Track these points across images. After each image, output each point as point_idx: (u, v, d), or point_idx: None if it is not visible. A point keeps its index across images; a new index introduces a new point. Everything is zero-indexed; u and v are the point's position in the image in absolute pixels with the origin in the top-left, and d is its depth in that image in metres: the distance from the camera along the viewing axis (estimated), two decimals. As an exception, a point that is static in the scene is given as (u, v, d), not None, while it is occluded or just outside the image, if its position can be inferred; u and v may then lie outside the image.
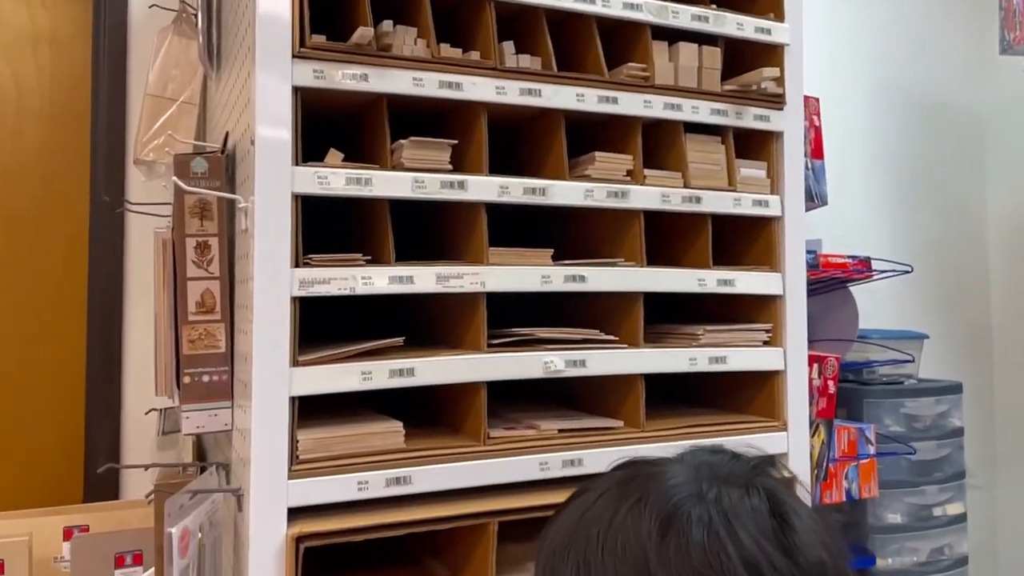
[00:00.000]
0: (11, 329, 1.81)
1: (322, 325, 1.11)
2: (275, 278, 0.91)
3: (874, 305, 2.35)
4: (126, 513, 1.65)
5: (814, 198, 1.82)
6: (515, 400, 1.23)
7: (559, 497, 0.99)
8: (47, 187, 1.86)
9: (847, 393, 2.12)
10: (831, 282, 2.16)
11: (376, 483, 0.94)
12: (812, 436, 1.23)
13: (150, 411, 1.52)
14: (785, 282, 1.20)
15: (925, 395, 2.30)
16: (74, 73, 1.88)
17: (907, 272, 2.21)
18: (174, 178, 0.95)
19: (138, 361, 1.75)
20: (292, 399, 0.91)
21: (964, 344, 2.69)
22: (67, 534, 1.60)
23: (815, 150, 1.77)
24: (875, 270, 2.17)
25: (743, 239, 1.24)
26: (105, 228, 1.82)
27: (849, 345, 2.15)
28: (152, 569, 1.35)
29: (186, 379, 1.06)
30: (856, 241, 2.43)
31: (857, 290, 2.21)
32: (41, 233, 1.84)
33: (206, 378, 1.07)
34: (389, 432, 0.97)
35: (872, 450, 2.05)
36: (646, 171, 1.12)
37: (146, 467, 1.14)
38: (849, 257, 2.15)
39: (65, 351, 1.83)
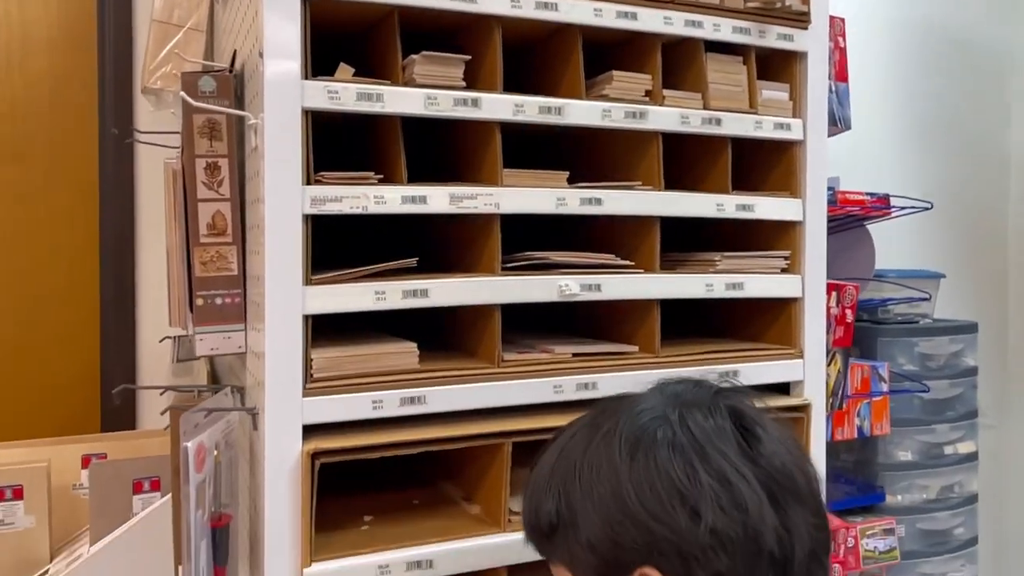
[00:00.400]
0: (24, 262, 1.81)
1: (334, 252, 1.10)
2: (286, 195, 0.89)
3: (889, 244, 2.32)
4: (143, 442, 1.67)
5: (837, 122, 1.78)
6: (529, 329, 1.22)
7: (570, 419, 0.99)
8: (56, 118, 1.84)
9: (861, 332, 2.11)
10: (848, 220, 2.13)
11: (391, 402, 0.94)
12: (828, 365, 1.22)
13: (164, 339, 1.52)
14: (805, 208, 1.18)
15: (940, 334, 2.29)
16: (80, 1, 1.84)
17: (927, 209, 2.17)
18: (182, 93, 0.93)
19: (151, 292, 1.75)
20: (306, 317, 0.90)
21: (980, 284, 2.67)
22: (85, 462, 1.62)
23: (839, 72, 1.72)
24: (894, 207, 2.14)
25: (763, 164, 1.22)
26: (115, 160, 1.81)
27: (865, 284, 2.13)
28: (170, 495, 1.37)
29: (199, 301, 1.06)
30: (873, 179, 2.39)
31: (873, 229, 2.18)
32: (51, 166, 1.83)
33: (219, 300, 1.06)
34: (403, 352, 0.96)
35: (885, 388, 2.04)
36: (665, 91, 1.09)
37: (162, 391, 1.14)
38: (867, 194, 2.11)
39: (78, 283, 1.83)
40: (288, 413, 0.89)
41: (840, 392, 1.57)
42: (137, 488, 1.50)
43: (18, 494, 1.46)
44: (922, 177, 2.56)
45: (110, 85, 1.79)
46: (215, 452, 0.92)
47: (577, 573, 0.71)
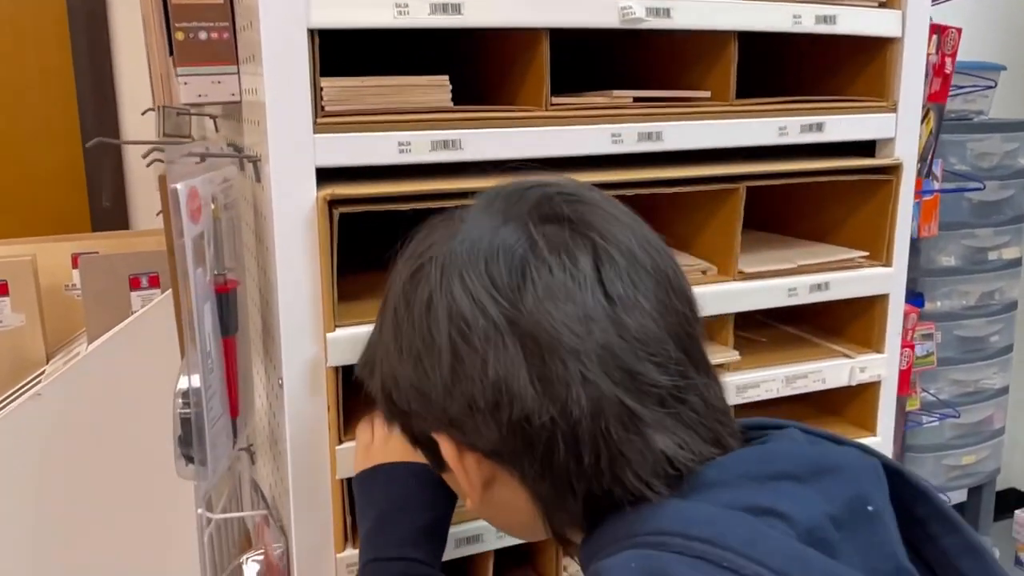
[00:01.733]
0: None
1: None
2: None
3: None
4: (138, 239, 1.53)
5: None
6: (579, 85, 1.04)
7: (633, 174, 0.83)
8: None
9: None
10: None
11: (420, 145, 0.77)
12: (921, 122, 1.04)
13: (147, 111, 1.34)
14: (913, -76, 0.96)
15: (993, 131, 2.11)
16: None
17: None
18: None
19: (130, 72, 1.55)
20: (310, 32, 0.72)
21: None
22: (75, 261, 1.49)
23: None
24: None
25: None
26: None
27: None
28: (170, 290, 1.24)
29: (179, 35, 0.87)
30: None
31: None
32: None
33: (203, 35, 0.87)
34: (433, 85, 0.79)
35: (937, 186, 1.88)
36: None
37: (146, 153, 0.97)
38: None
39: (52, 68, 1.62)
40: (297, 152, 0.73)
41: (929, 156, 1.40)
42: (134, 284, 1.37)
43: (3, 290, 1.33)
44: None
45: None
46: (212, 206, 0.76)
47: None
